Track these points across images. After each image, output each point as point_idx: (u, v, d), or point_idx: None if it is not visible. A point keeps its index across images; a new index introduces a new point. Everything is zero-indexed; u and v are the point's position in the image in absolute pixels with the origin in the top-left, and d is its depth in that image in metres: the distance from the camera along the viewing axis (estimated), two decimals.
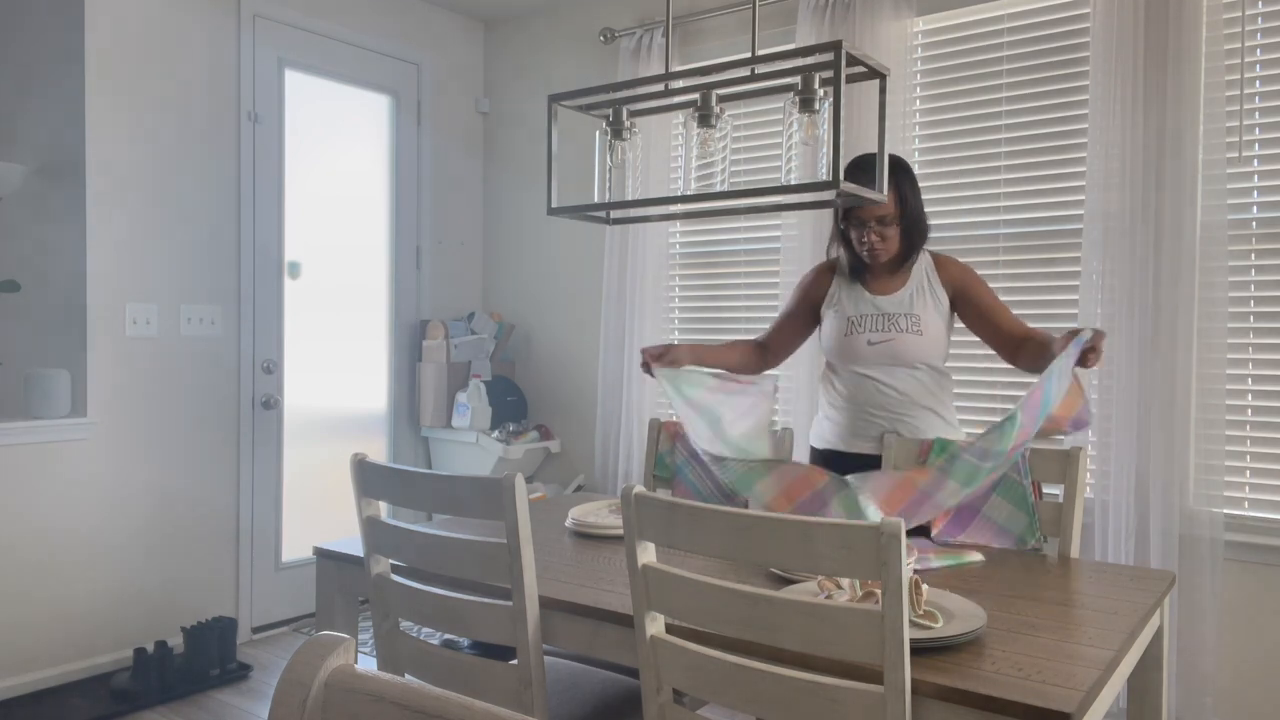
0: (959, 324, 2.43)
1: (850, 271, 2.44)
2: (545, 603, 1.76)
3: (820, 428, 2.52)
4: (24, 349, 3.45)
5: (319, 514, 4.09)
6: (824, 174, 2.19)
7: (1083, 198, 3.09)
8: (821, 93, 1.81)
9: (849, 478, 2.09)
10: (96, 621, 3.36)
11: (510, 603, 1.75)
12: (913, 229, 2.34)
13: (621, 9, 4.23)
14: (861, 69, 1.82)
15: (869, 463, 2.38)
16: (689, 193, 2.07)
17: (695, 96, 1.99)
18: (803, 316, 2.53)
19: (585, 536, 2.24)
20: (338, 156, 4.17)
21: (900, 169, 2.30)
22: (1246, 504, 2.89)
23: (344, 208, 4.20)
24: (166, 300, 3.52)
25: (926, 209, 3.38)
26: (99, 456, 3.35)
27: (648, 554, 1.55)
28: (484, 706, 0.74)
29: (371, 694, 0.78)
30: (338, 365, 4.19)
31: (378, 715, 0.77)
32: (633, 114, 2.08)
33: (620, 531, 2.22)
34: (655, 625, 1.56)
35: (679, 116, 3.97)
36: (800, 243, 3.58)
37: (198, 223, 3.61)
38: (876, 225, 2.30)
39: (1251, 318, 2.88)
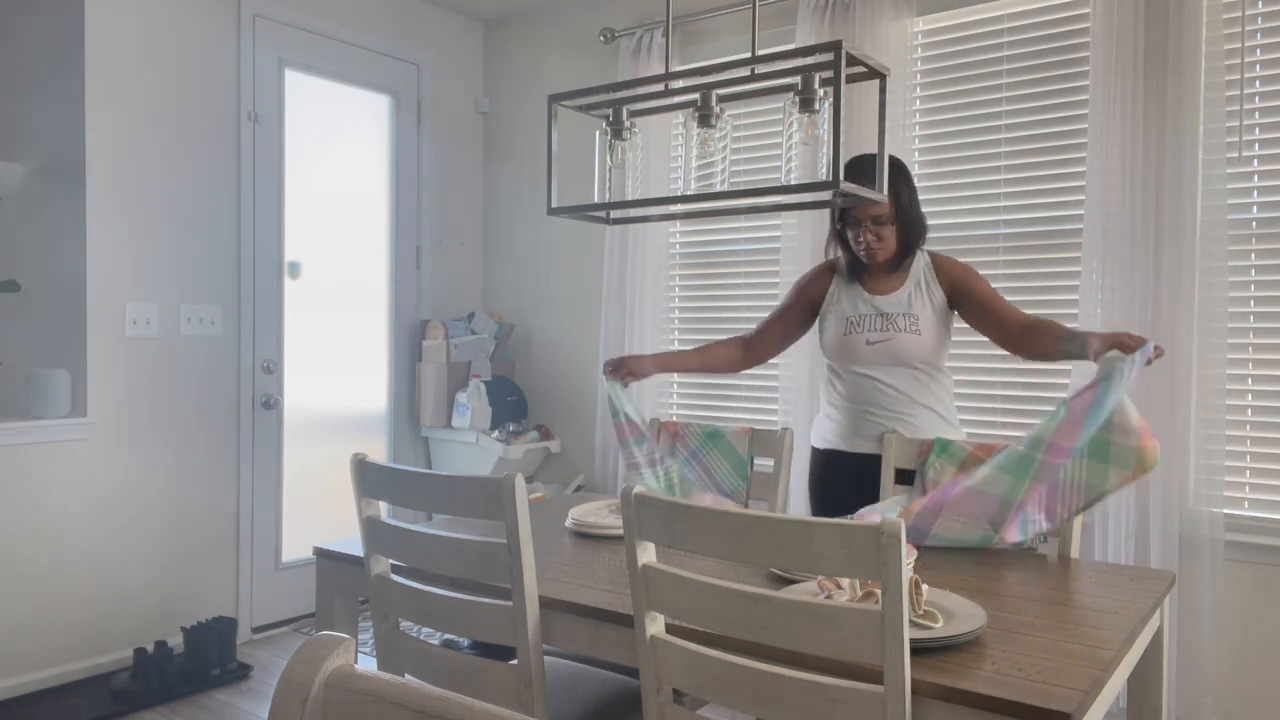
0: (959, 323, 2.43)
1: (848, 271, 2.45)
2: (545, 603, 1.76)
3: (821, 427, 2.52)
4: (24, 349, 3.45)
5: (319, 514, 4.09)
6: (824, 174, 2.19)
7: (1083, 198, 3.09)
8: (821, 93, 1.81)
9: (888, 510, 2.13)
10: (96, 621, 3.36)
11: (510, 603, 1.75)
12: (909, 228, 2.34)
13: (621, 9, 4.23)
14: (861, 69, 1.83)
15: (869, 462, 2.38)
16: (689, 193, 2.07)
17: (695, 96, 1.99)
18: (797, 315, 2.53)
19: (585, 536, 2.24)
20: (338, 156, 4.17)
21: (895, 169, 2.30)
22: (1246, 504, 2.89)
23: (344, 208, 4.20)
24: (166, 300, 3.52)
25: (927, 209, 3.41)
26: (99, 456, 3.35)
27: (648, 554, 1.55)
28: (484, 706, 0.74)
29: (371, 694, 0.78)
30: (338, 365, 4.19)
31: (378, 715, 0.77)
32: (633, 114, 2.08)
33: (620, 531, 2.22)
34: (655, 625, 1.56)
35: (679, 116, 3.97)
36: (800, 243, 3.58)
37: (198, 223, 3.61)
38: (872, 225, 2.30)
39: (1251, 318, 2.88)
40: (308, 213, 4.04)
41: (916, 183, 3.42)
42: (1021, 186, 3.26)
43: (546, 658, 2.26)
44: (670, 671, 1.54)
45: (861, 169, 2.25)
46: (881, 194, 1.88)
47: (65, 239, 3.33)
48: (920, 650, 1.44)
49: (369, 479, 1.91)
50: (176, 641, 3.57)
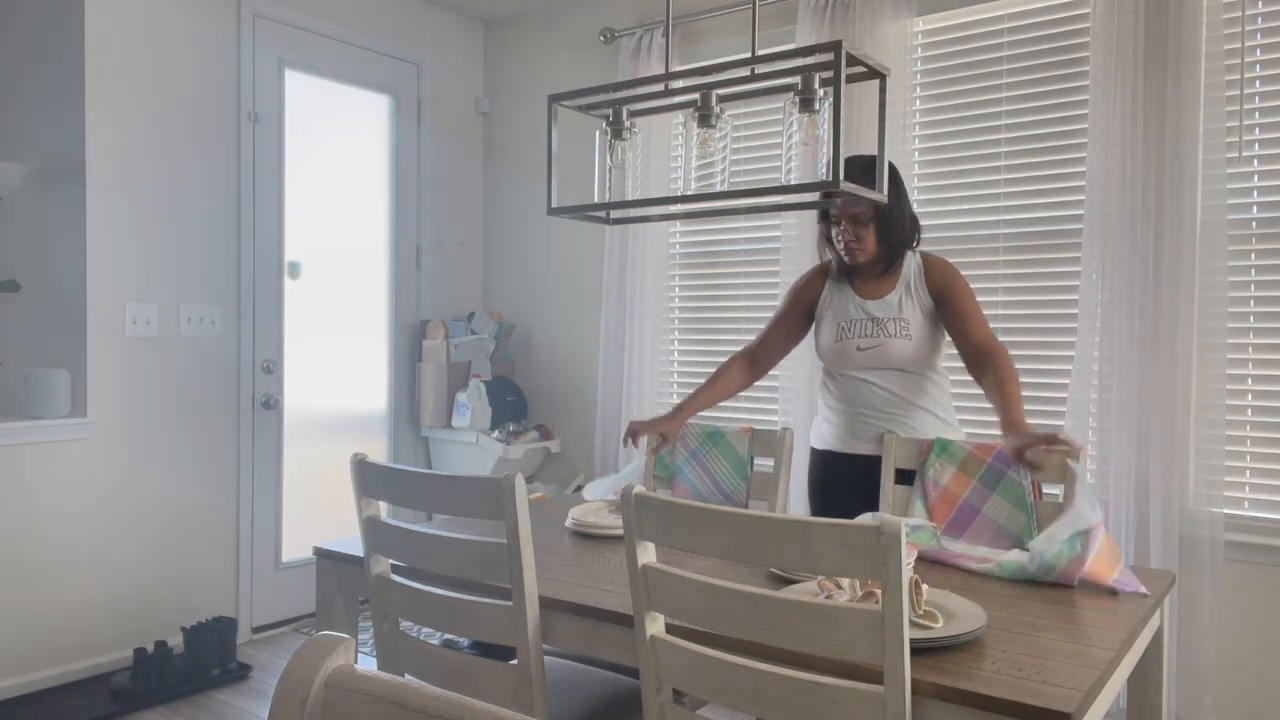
0: None
1: (839, 273, 2.44)
2: (545, 603, 1.76)
3: (819, 429, 2.52)
4: (24, 349, 3.45)
5: (319, 514, 4.09)
6: (824, 174, 2.19)
7: (1083, 198, 3.09)
8: (821, 93, 1.81)
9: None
10: (96, 621, 3.36)
11: (510, 603, 1.75)
12: (890, 229, 2.32)
13: (621, 9, 4.23)
14: (861, 69, 1.82)
15: (867, 464, 2.38)
16: (689, 193, 2.07)
17: (695, 96, 1.99)
18: (795, 320, 2.52)
19: (585, 536, 2.24)
20: (338, 156, 4.17)
21: (874, 166, 2.27)
22: (1246, 504, 2.89)
23: (344, 208, 4.20)
24: (166, 300, 3.52)
25: (926, 209, 3.41)
26: (99, 456, 3.35)
27: (648, 554, 1.55)
28: (484, 706, 0.74)
29: (371, 694, 0.78)
30: (338, 365, 4.19)
31: (378, 715, 0.77)
32: (633, 114, 2.08)
33: (620, 531, 2.22)
34: (655, 625, 1.56)
35: (679, 116, 3.97)
36: (800, 243, 3.58)
37: (198, 223, 3.61)
38: (850, 224, 2.30)
39: (1251, 318, 2.88)
40: (308, 213, 4.04)
41: (916, 183, 3.44)
42: (1021, 186, 3.26)
43: (546, 658, 2.26)
44: (670, 671, 1.54)
45: (850, 169, 2.25)
46: (881, 194, 1.88)
47: (65, 239, 3.33)
48: (920, 650, 1.44)
49: (369, 479, 1.91)
50: (176, 641, 3.57)
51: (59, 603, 3.26)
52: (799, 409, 3.57)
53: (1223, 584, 2.89)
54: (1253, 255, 2.87)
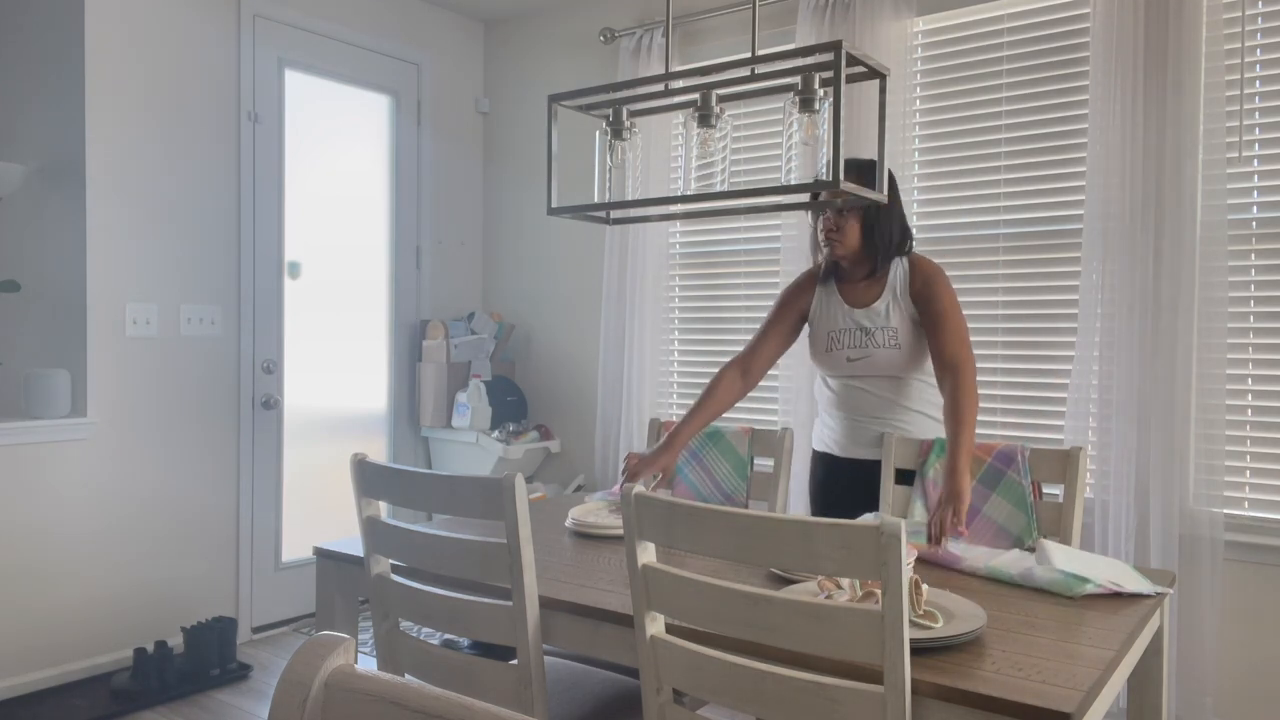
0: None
1: (826, 277, 2.42)
2: (545, 603, 1.76)
3: (819, 432, 2.52)
4: (24, 349, 3.45)
5: (319, 514, 4.09)
6: (824, 174, 2.19)
7: (1083, 198, 3.09)
8: (821, 93, 1.81)
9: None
10: (96, 621, 3.36)
11: (510, 603, 1.75)
12: (875, 227, 2.29)
13: (621, 9, 4.23)
14: (861, 69, 1.82)
15: (867, 468, 2.37)
16: (689, 193, 2.07)
17: (695, 96, 1.99)
18: (786, 327, 2.47)
19: (585, 536, 2.24)
20: (338, 156, 4.17)
21: (868, 170, 2.25)
22: (1246, 504, 2.89)
23: (344, 208, 4.20)
24: (166, 300, 3.52)
25: (927, 209, 3.41)
26: (99, 456, 3.35)
27: (648, 554, 1.55)
28: (484, 706, 0.74)
29: (371, 694, 0.78)
30: (338, 365, 4.19)
31: (378, 715, 0.77)
32: (633, 114, 2.08)
33: (620, 531, 2.22)
34: (655, 625, 1.56)
35: (679, 116, 3.97)
36: (800, 243, 3.58)
37: (198, 223, 3.61)
38: (833, 214, 2.27)
39: (1251, 318, 2.88)
40: (308, 213, 4.04)
41: (916, 183, 3.44)
42: (1021, 186, 3.26)
43: (546, 658, 2.26)
44: (670, 671, 1.54)
45: (845, 171, 2.23)
46: (881, 194, 1.88)
47: (65, 239, 3.33)
48: (920, 650, 1.44)
49: (369, 479, 1.91)
50: (176, 641, 3.57)
51: (59, 602, 3.26)
52: (799, 409, 3.57)
53: (1223, 584, 2.89)
54: (1253, 255, 2.87)
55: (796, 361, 3.54)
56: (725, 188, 1.99)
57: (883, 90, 1.90)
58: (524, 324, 4.65)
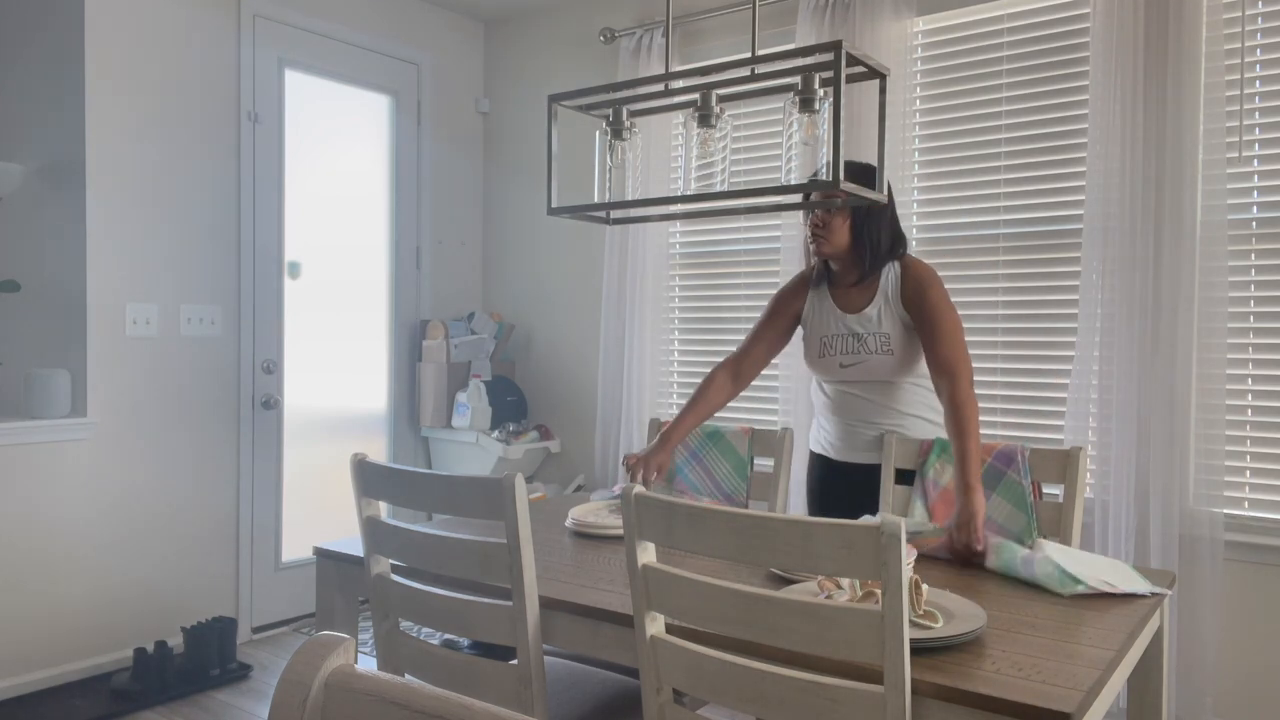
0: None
1: (817, 277, 2.40)
2: (545, 603, 1.76)
3: (816, 434, 2.51)
4: (24, 349, 3.45)
5: (319, 514, 4.09)
6: (824, 174, 2.19)
7: (1083, 198, 3.09)
8: (821, 93, 1.81)
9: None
10: (96, 621, 3.36)
11: (510, 603, 1.75)
12: (864, 227, 2.27)
13: (621, 9, 4.23)
14: (861, 69, 1.82)
15: (864, 473, 2.37)
16: (689, 193, 2.07)
17: (695, 96, 1.99)
18: (779, 330, 2.46)
19: (585, 536, 2.24)
20: (338, 156, 4.17)
21: (865, 171, 2.24)
22: (1246, 504, 2.89)
23: (344, 208, 4.20)
24: (166, 300, 3.52)
25: (927, 209, 3.41)
26: (99, 456, 3.35)
27: (648, 554, 1.55)
28: (484, 706, 0.74)
29: (371, 694, 0.78)
30: (338, 365, 4.19)
31: (378, 715, 0.77)
32: (633, 114, 2.08)
33: (620, 531, 2.22)
34: (655, 625, 1.56)
35: (679, 116, 3.97)
36: (800, 243, 3.58)
37: (198, 223, 3.61)
38: (821, 210, 2.25)
39: (1251, 318, 2.88)
40: (308, 213, 4.04)
41: (916, 183, 3.44)
42: (1021, 186, 3.26)
43: (546, 658, 2.26)
44: (670, 671, 1.54)
45: (846, 174, 2.22)
46: (881, 194, 1.88)
47: (65, 239, 3.33)
48: (920, 650, 1.44)
49: (369, 479, 1.91)
50: (176, 641, 3.57)
51: (59, 603, 3.26)
52: (799, 409, 3.57)
53: (1223, 584, 2.89)
54: (1253, 255, 2.87)
55: (796, 361, 3.54)
56: (725, 188, 1.99)
57: (883, 90, 1.90)
58: (524, 324, 4.65)
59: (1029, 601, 1.72)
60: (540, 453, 4.38)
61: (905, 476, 2.34)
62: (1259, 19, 2.85)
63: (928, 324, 2.22)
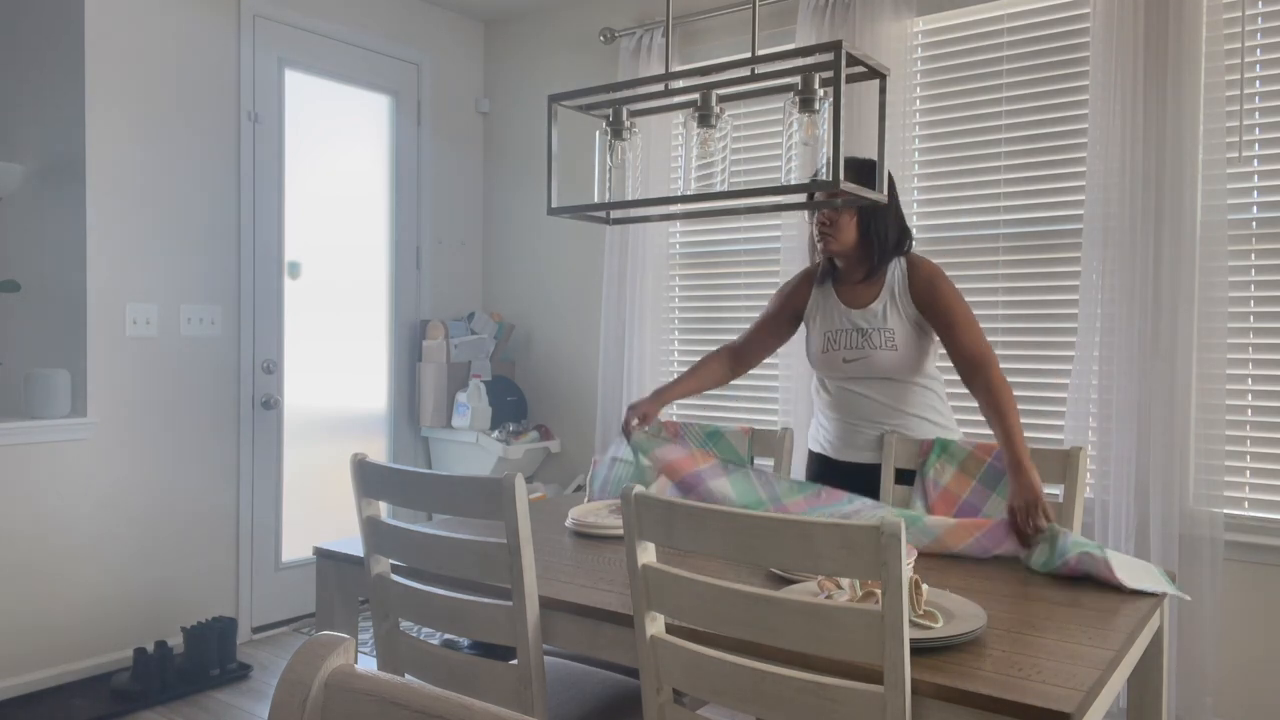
0: None
1: (824, 276, 2.41)
2: (545, 603, 1.76)
3: (815, 433, 2.52)
4: (24, 349, 3.45)
5: (319, 514, 4.09)
6: (824, 174, 2.19)
7: (1083, 198, 3.09)
8: (821, 93, 1.81)
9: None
10: (96, 621, 3.36)
11: (510, 603, 1.75)
12: (872, 224, 2.27)
13: (621, 9, 4.23)
14: (861, 69, 1.82)
15: (861, 472, 2.37)
16: (689, 193, 2.07)
17: (695, 96, 1.99)
18: (781, 323, 2.49)
19: (585, 536, 2.24)
20: (338, 156, 4.17)
21: (868, 168, 2.25)
22: (1246, 504, 2.89)
23: (344, 208, 4.20)
24: (166, 300, 3.52)
25: (927, 209, 3.41)
26: (99, 456, 3.35)
27: (648, 554, 1.55)
28: (484, 706, 0.74)
29: (371, 694, 0.78)
30: (338, 365, 4.19)
31: (378, 715, 0.77)
32: (633, 114, 2.08)
33: (620, 531, 2.22)
34: (655, 625, 1.56)
35: (679, 116, 3.97)
36: (800, 243, 3.58)
37: (198, 223, 3.61)
38: (828, 209, 2.25)
39: (1251, 318, 2.88)
40: (308, 213, 4.04)
41: (916, 183, 3.44)
42: (1021, 186, 3.26)
43: (546, 658, 2.26)
44: (670, 671, 1.54)
45: (850, 171, 2.22)
46: (881, 194, 1.88)
47: (65, 239, 3.33)
48: (920, 650, 1.44)
49: (369, 479, 1.91)
50: (176, 641, 3.57)
51: (59, 603, 3.26)
52: (799, 409, 3.57)
53: (1223, 584, 2.89)
54: (1253, 255, 2.87)
55: (796, 361, 3.54)
56: (725, 188, 1.99)
57: (883, 90, 1.90)
58: (524, 324, 4.65)
59: (1029, 601, 1.72)
60: (540, 453, 4.38)
61: (905, 476, 2.34)
62: (1259, 19, 2.85)
63: (945, 319, 2.23)
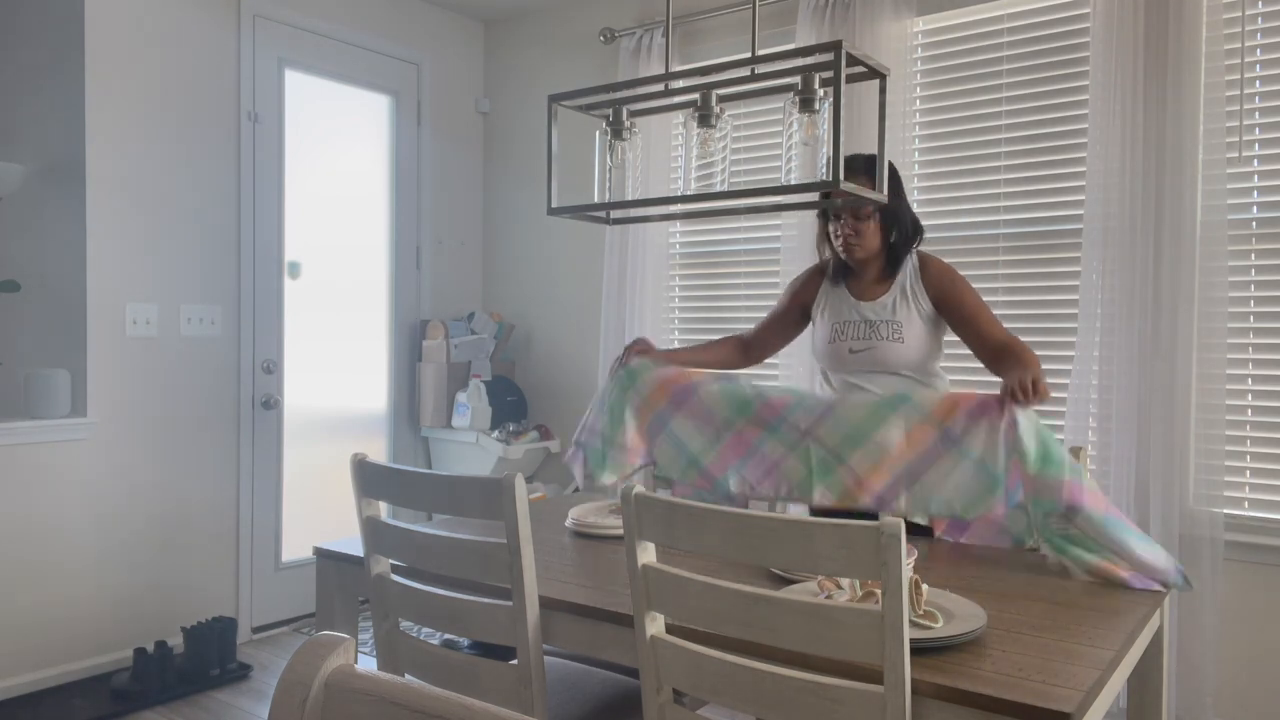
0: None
1: (835, 273, 2.42)
2: (545, 603, 1.76)
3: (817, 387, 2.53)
4: (24, 349, 3.45)
5: (319, 514, 4.09)
6: (824, 174, 2.19)
7: (1083, 198, 3.08)
8: (821, 93, 1.81)
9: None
10: (96, 621, 3.36)
11: (510, 603, 1.75)
12: (893, 228, 2.30)
13: (621, 9, 4.23)
14: (861, 69, 1.82)
15: None
16: (689, 193, 2.07)
17: (695, 96, 1.99)
18: (791, 316, 2.52)
19: (585, 536, 2.24)
20: (338, 156, 4.17)
21: (873, 163, 2.26)
22: (1246, 504, 2.89)
23: (344, 208, 4.20)
24: (166, 300, 3.52)
25: (926, 209, 3.41)
26: (99, 456, 3.35)
27: (648, 554, 1.55)
28: (484, 706, 0.74)
29: (371, 694, 0.78)
30: (338, 365, 4.19)
31: (378, 715, 0.77)
32: (633, 114, 2.08)
33: (620, 531, 2.22)
34: (655, 625, 1.56)
35: (679, 116, 3.97)
36: (800, 243, 3.58)
37: (198, 223, 3.61)
38: (851, 219, 2.27)
39: (1251, 318, 2.88)
40: (308, 213, 4.04)
41: (916, 183, 3.44)
42: (1021, 186, 3.26)
43: (546, 658, 2.26)
44: (670, 671, 1.54)
45: (852, 167, 2.23)
46: (881, 194, 1.88)
47: (65, 239, 3.33)
48: (920, 650, 1.44)
49: (369, 479, 1.91)
50: (176, 641, 3.57)
51: (59, 603, 3.26)
52: None
53: (1223, 584, 2.89)
54: (1253, 255, 2.87)
55: (797, 360, 3.54)
56: (725, 188, 2.00)
57: (883, 90, 1.90)
58: (524, 324, 4.65)
59: (1029, 601, 1.72)
60: (540, 453, 4.38)
61: None
62: (1259, 19, 2.85)
63: (966, 312, 2.27)
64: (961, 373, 3.29)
